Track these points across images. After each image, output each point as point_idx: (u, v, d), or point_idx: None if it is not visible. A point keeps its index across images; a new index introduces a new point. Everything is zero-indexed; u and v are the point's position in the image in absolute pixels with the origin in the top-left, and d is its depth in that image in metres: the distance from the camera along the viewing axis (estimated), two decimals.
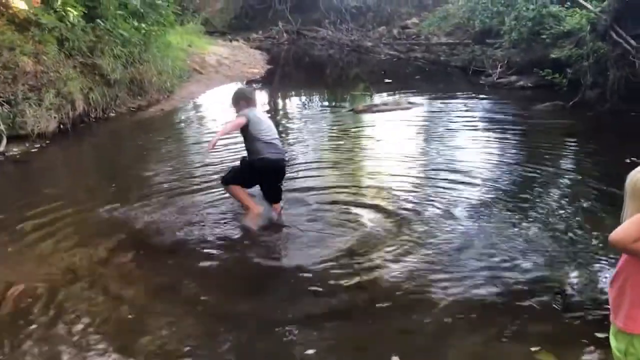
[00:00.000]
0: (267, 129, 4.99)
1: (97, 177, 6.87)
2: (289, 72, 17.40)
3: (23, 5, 9.01)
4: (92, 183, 6.48)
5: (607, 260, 4.05)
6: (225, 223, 5.01)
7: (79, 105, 8.84)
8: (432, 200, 5.39)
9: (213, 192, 5.70)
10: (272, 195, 5.16)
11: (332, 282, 3.90)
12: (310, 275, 4.00)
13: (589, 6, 10.31)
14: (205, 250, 4.45)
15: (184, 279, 4.00)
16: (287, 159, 5.35)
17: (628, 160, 6.38)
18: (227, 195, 5.31)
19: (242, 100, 5.20)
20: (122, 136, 8.87)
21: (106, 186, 6.16)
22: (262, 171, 4.96)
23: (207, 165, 6.70)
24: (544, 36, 11.79)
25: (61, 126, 8.38)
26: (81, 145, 8.41)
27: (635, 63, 8.87)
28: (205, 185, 5.99)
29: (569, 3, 11.57)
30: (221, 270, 4.20)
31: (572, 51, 10.32)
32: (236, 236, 4.77)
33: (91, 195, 5.80)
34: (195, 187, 6.00)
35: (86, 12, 10.10)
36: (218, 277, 4.10)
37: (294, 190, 5.70)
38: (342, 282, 3.90)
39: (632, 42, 9.04)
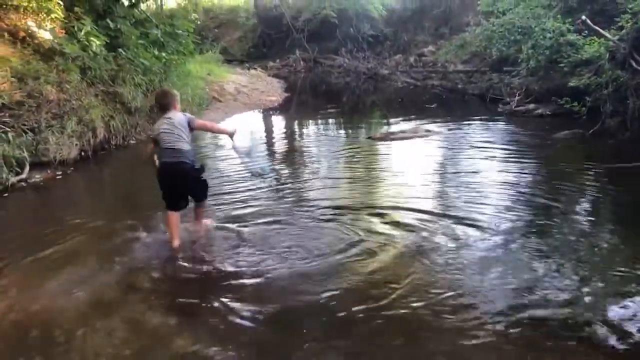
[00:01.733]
0: (167, 135, 4.95)
1: (117, 203, 6.92)
2: (306, 100, 17.53)
3: (48, 36, 9.26)
4: (112, 209, 6.53)
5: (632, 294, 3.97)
6: (249, 247, 5.04)
7: (100, 132, 8.99)
8: (451, 229, 5.37)
9: (231, 219, 5.74)
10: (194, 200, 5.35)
11: (350, 311, 3.87)
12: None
13: (607, 35, 10.28)
14: (224, 281, 4.44)
15: (209, 305, 4.03)
16: (189, 162, 5.01)
17: None
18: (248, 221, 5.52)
19: (157, 108, 5.36)
20: (142, 163, 8.92)
21: (126, 212, 6.19)
22: (161, 177, 5.02)
23: (225, 193, 6.70)
24: (561, 64, 11.76)
25: (82, 153, 8.52)
26: (102, 172, 8.51)
27: None
28: (224, 211, 6.01)
29: (586, 31, 11.54)
30: (248, 295, 4.17)
31: (591, 80, 10.25)
32: (260, 261, 4.77)
33: (111, 221, 5.83)
34: (215, 212, 6.02)
35: (108, 41, 10.35)
36: (245, 301, 4.08)
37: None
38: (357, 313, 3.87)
39: None
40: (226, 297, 4.11)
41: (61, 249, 5.05)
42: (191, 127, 5.14)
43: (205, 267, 4.68)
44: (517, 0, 15.41)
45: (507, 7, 15.40)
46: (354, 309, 3.91)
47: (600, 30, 10.59)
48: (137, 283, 4.39)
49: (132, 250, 5.01)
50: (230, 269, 4.61)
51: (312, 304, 4.03)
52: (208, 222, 5.57)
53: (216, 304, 4.02)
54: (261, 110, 14.24)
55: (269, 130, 12.27)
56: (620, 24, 10.13)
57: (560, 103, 10.78)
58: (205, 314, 3.93)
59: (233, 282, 4.40)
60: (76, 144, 8.34)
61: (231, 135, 5.50)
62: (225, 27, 31.86)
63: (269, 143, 10.73)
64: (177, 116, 5.10)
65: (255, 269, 4.58)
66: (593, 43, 11.01)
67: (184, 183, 5.13)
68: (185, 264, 4.75)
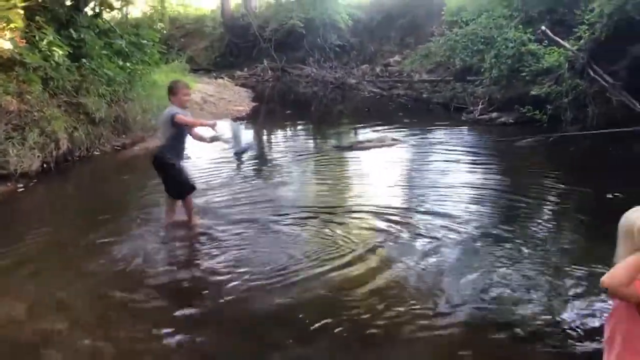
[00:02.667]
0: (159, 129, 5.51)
1: (79, 215, 6.77)
2: (274, 109, 17.52)
3: (8, 45, 9.04)
4: (75, 222, 6.41)
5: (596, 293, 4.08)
6: (214, 256, 5.02)
7: (63, 144, 8.81)
8: (421, 234, 5.47)
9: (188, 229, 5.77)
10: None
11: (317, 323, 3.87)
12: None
13: (566, 45, 10.59)
14: (191, 291, 4.40)
15: (176, 317, 3.97)
16: (162, 156, 5.47)
17: (610, 196, 6.51)
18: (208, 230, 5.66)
19: None
20: (105, 175, 8.82)
21: (89, 225, 6.07)
22: None
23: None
24: (523, 73, 12.04)
25: (44, 165, 8.33)
26: (65, 184, 8.34)
27: (611, 99, 9.09)
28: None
29: (546, 41, 11.85)
30: (208, 311, 4.14)
31: (552, 88, 10.54)
32: (230, 270, 4.77)
33: (75, 233, 5.76)
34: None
35: (71, 51, 10.16)
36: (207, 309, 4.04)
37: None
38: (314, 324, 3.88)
39: (609, 79, 9.29)
40: (188, 307, 4.09)
41: (23, 261, 4.94)
42: (173, 123, 5.28)
43: (168, 277, 4.64)
44: (480, 11, 15.73)
45: (471, 17, 15.70)
46: (317, 318, 3.91)
47: (560, 40, 10.90)
48: (101, 296, 4.31)
49: (95, 263, 4.91)
50: (197, 274, 4.63)
51: (275, 312, 4.03)
52: (195, 220, 5.82)
53: (179, 313, 3.99)
54: (229, 120, 14.15)
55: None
56: (578, 34, 10.45)
57: (523, 111, 11.04)
58: (169, 324, 3.88)
59: (199, 290, 4.38)
60: (38, 156, 8.16)
61: (212, 126, 5.51)
62: (192, 36, 31.65)
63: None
64: (165, 111, 5.53)
65: (222, 276, 4.57)
66: (553, 53, 11.32)
67: (160, 174, 5.66)
68: (151, 273, 4.70)
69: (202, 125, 5.58)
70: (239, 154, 6.19)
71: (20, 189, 7.51)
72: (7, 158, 7.57)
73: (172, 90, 5.54)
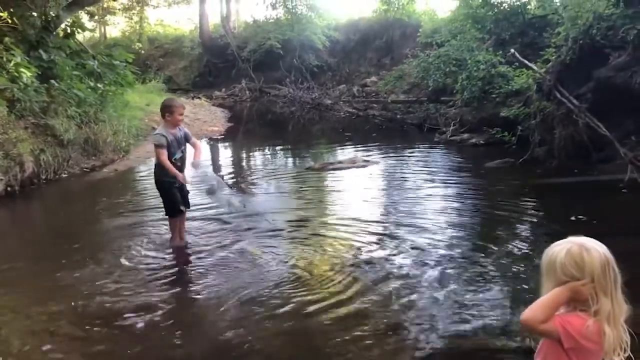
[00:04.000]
0: None
1: (41, 240, 6.60)
2: (250, 130, 17.53)
3: None
4: (36, 247, 6.24)
5: None
6: (172, 282, 4.94)
7: (28, 166, 8.68)
8: (394, 255, 5.49)
9: (164, 253, 5.69)
10: None
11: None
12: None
13: (534, 67, 10.75)
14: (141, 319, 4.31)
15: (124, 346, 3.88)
16: (154, 173, 5.77)
17: (573, 218, 6.57)
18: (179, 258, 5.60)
19: None
20: (71, 198, 8.68)
21: (51, 250, 5.94)
22: None
23: (153, 229, 6.57)
24: (494, 95, 12.21)
25: (8, 189, 8.18)
26: (29, 208, 8.21)
27: (578, 122, 9.22)
28: (156, 246, 5.90)
29: (516, 64, 12.04)
30: (163, 336, 4.05)
31: (520, 110, 10.68)
32: (194, 294, 4.74)
33: (36, 259, 5.63)
34: (146, 247, 5.91)
35: (40, 72, 10.09)
36: (158, 341, 3.95)
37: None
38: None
39: (575, 101, 9.43)
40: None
41: None
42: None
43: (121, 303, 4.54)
44: (453, 33, 15.98)
45: (445, 39, 15.94)
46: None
47: (527, 63, 11.07)
48: (57, 330, 4.18)
49: (56, 293, 4.80)
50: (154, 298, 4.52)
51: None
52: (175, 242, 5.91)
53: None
54: (203, 141, 14.11)
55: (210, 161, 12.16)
56: (545, 57, 10.63)
57: (492, 133, 11.15)
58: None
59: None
60: (1, 179, 8.03)
61: (180, 179, 5.63)
62: (171, 56, 31.73)
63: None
64: (156, 130, 5.76)
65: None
66: (522, 75, 11.49)
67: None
68: (118, 300, 4.61)
69: (173, 174, 5.53)
70: (210, 193, 6.40)
71: None
72: None
73: (169, 109, 5.55)
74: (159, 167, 5.62)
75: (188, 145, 5.82)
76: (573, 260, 1.92)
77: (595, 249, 1.93)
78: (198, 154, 5.88)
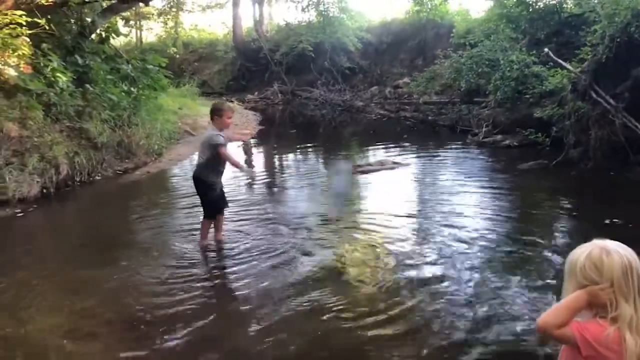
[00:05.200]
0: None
1: (76, 241, 6.72)
2: (280, 133, 17.58)
3: (13, 72, 9.22)
4: (72, 247, 6.34)
5: None
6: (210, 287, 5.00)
7: (63, 169, 8.89)
8: (425, 257, 5.47)
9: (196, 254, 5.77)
10: None
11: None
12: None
13: (568, 67, 10.49)
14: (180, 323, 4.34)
15: (155, 346, 3.94)
16: (197, 175, 5.90)
17: (607, 221, 6.38)
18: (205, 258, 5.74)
19: None
20: (105, 200, 8.85)
21: (85, 250, 6.08)
22: None
23: (186, 230, 6.64)
24: (527, 95, 11.97)
25: (44, 190, 8.40)
26: (63, 209, 8.38)
27: (614, 122, 8.96)
28: (188, 248, 5.96)
29: (551, 63, 11.77)
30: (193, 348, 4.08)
31: (554, 110, 10.42)
32: (229, 300, 4.78)
33: (70, 259, 5.75)
34: (177, 248, 5.99)
35: (76, 77, 10.34)
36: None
37: None
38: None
39: (611, 101, 9.17)
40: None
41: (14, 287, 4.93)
42: (214, 149, 5.64)
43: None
44: (486, 33, 15.73)
45: (478, 39, 15.70)
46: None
47: (562, 62, 10.82)
48: (91, 330, 4.25)
49: (89, 293, 4.89)
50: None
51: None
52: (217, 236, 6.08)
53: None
54: (235, 144, 14.23)
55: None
56: (580, 56, 10.37)
57: (525, 134, 10.93)
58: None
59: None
60: (37, 181, 8.24)
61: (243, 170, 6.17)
62: (205, 60, 32.11)
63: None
64: (207, 132, 5.97)
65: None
66: (556, 74, 11.23)
67: (197, 193, 6.04)
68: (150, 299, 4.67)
69: (238, 167, 5.89)
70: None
71: (19, 214, 7.56)
72: (5, 184, 7.65)
73: (219, 112, 5.73)
74: (205, 168, 5.77)
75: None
76: (592, 264, 1.85)
77: (617, 252, 1.84)
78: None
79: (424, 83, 18.40)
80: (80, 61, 10.84)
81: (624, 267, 1.82)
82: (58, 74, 9.71)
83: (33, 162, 8.20)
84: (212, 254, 5.88)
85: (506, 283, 4.86)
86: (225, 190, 6.18)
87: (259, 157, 13.21)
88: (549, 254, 5.52)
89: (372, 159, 11.15)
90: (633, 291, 1.82)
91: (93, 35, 12.25)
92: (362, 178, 9.49)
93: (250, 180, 8.58)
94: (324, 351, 3.89)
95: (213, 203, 5.93)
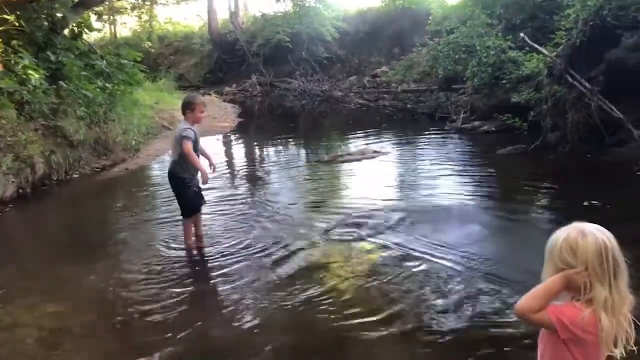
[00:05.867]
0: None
1: (54, 241, 6.64)
2: (260, 125, 17.49)
3: None
4: (51, 247, 6.27)
5: None
6: (194, 284, 4.96)
7: (39, 168, 8.72)
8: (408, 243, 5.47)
9: (178, 251, 5.73)
10: None
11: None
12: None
13: (544, 51, 10.57)
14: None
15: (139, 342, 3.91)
16: (171, 171, 5.66)
17: (586, 203, 6.46)
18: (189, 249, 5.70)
19: None
20: (83, 198, 8.71)
21: (64, 250, 5.98)
22: None
23: (167, 226, 6.57)
24: (504, 81, 12.04)
25: (20, 190, 8.24)
26: (40, 209, 8.21)
27: (590, 105, 9.05)
28: (170, 245, 5.91)
29: (527, 48, 11.84)
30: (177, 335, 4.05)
31: (531, 95, 10.51)
32: (214, 296, 4.76)
33: (49, 259, 5.66)
34: (158, 245, 5.94)
35: (49, 74, 10.13)
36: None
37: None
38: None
39: (587, 84, 9.26)
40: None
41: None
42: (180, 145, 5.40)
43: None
44: (462, 20, 15.75)
45: (454, 26, 15.72)
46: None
47: (537, 47, 10.89)
48: (72, 328, 4.20)
49: (69, 291, 4.82)
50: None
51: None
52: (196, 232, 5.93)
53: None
54: (214, 137, 14.12)
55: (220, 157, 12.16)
56: (555, 40, 10.44)
57: (503, 119, 11.01)
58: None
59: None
60: (12, 181, 8.08)
61: (204, 175, 5.56)
62: (181, 53, 31.74)
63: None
64: (179, 127, 5.67)
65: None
66: (532, 59, 11.30)
67: (172, 190, 5.80)
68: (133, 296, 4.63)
69: (199, 169, 5.50)
70: None
71: None
72: None
73: (190, 106, 5.49)
74: (178, 164, 5.52)
75: None
76: (568, 246, 1.86)
77: (593, 234, 1.85)
78: (212, 160, 5.87)
79: (402, 71, 18.42)
80: (52, 58, 10.60)
81: (598, 250, 1.82)
82: (30, 72, 9.48)
83: (7, 162, 8.01)
84: (195, 251, 5.80)
85: (489, 264, 4.91)
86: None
87: (239, 150, 13.14)
88: (531, 238, 5.57)
89: (352, 149, 11.15)
90: (608, 273, 1.82)
91: (65, 31, 11.99)
92: (343, 167, 9.49)
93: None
94: (310, 343, 3.88)
95: (189, 201, 5.68)
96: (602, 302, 1.81)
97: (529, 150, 9.58)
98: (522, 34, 11.86)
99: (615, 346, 1.84)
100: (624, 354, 1.87)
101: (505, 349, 3.59)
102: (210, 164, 5.79)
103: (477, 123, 12.19)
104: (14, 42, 9.80)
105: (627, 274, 1.86)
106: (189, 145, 5.35)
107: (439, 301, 4.25)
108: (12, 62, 9.47)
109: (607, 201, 6.47)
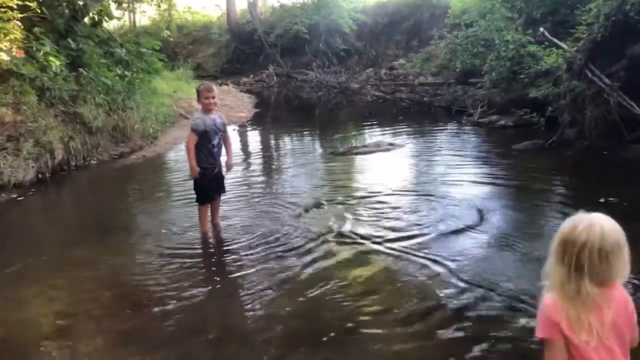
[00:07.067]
0: None
1: (72, 225, 6.77)
2: (276, 115, 17.54)
3: (5, 57, 9.14)
4: (67, 232, 6.40)
5: None
6: (205, 271, 5.00)
7: (58, 153, 8.88)
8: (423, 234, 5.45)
9: (193, 236, 5.79)
10: None
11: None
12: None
13: (564, 46, 10.45)
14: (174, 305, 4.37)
15: (149, 327, 3.98)
16: None
17: (602, 200, 6.40)
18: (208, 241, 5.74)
19: None
20: (101, 184, 8.84)
21: (81, 234, 6.11)
22: None
23: (183, 213, 6.65)
24: (522, 75, 11.93)
25: (40, 175, 8.39)
26: (59, 193, 8.40)
27: (609, 101, 8.96)
28: (184, 232, 5.97)
29: (546, 43, 11.72)
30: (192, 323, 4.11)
31: (550, 90, 10.41)
32: (223, 283, 4.78)
33: (66, 243, 5.77)
34: (174, 231, 6.01)
35: (69, 61, 10.27)
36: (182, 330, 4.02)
37: None
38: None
39: (606, 80, 9.15)
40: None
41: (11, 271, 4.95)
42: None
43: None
44: (482, 13, 15.62)
45: (473, 19, 15.60)
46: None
47: (557, 42, 10.77)
48: (87, 312, 4.28)
49: (85, 276, 4.90)
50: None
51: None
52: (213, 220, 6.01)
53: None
54: (232, 128, 14.21)
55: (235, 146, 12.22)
56: (576, 35, 10.33)
57: (521, 114, 10.93)
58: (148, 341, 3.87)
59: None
60: (32, 166, 8.23)
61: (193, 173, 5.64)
62: (199, 43, 31.89)
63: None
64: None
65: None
66: (552, 54, 11.18)
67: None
68: (147, 282, 4.70)
69: (191, 165, 5.58)
70: None
71: (19, 199, 7.56)
72: (0, 169, 7.63)
73: (197, 93, 5.63)
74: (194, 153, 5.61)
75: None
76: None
77: (584, 225, 1.84)
78: (230, 157, 5.89)
79: (419, 64, 18.34)
80: (73, 45, 10.76)
81: (570, 238, 1.86)
82: (51, 58, 9.63)
83: (28, 147, 8.18)
84: (210, 239, 5.85)
85: (502, 259, 4.92)
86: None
87: (254, 140, 13.20)
88: (544, 232, 5.55)
89: (368, 141, 11.15)
90: (569, 263, 1.85)
91: (86, 19, 12.14)
92: (358, 159, 9.50)
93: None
94: (319, 332, 3.90)
95: (201, 189, 5.73)
96: (559, 285, 1.87)
97: (546, 146, 9.50)
98: (541, 29, 11.72)
99: (589, 334, 1.85)
100: None
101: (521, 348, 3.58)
102: (227, 164, 5.82)
103: (494, 117, 12.11)
104: (36, 29, 9.95)
105: (605, 273, 1.84)
106: (190, 139, 5.50)
107: (453, 302, 4.16)
108: (34, 48, 9.62)
109: (624, 198, 6.41)
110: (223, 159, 5.85)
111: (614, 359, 1.89)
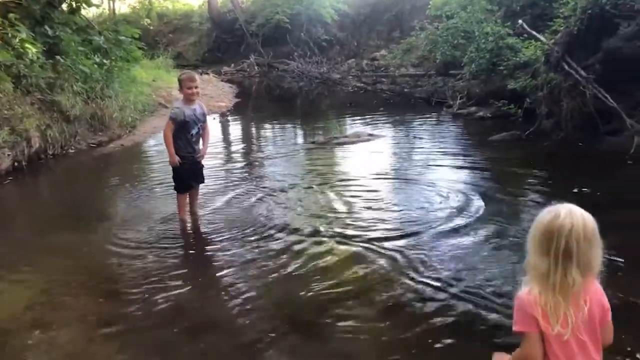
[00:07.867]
0: None
1: (49, 213, 6.69)
2: (257, 105, 17.49)
3: None
4: (44, 220, 6.33)
5: None
6: (185, 258, 5.01)
7: (35, 142, 8.78)
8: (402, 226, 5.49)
9: (171, 225, 5.78)
10: None
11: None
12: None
13: (542, 38, 10.58)
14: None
15: (125, 316, 3.96)
16: None
17: (576, 190, 6.53)
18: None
19: None
20: (79, 172, 8.78)
21: (58, 223, 6.08)
22: None
23: (161, 202, 6.63)
24: (501, 67, 12.05)
25: (16, 164, 8.29)
26: (36, 182, 8.32)
27: (585, 93, 9.09)
28: (162, 221, 5.96)
29: (525, 35, 11.84)
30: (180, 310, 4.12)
31: (528, 82, 10.54)
32: (204, 270, 4.78)
33: (43, 232, 5.75)
34: (152, 219, 6.00)
35: (46, 48, 10.11)
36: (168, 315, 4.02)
37: None
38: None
39: (582, 72, 9.28)
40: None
41: None
42: None
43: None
44: (462, 5, 15.69)
45: (454, 11, 15.67)
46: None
47: (535, 34, 10.89)
48: (63, 301, 4.27)
49: (63, 264, 4.89)
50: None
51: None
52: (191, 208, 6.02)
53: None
54: (212, 117, 14.14)
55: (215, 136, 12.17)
56: (554, 27, 10.45)
57: (499, 106, 11.05)
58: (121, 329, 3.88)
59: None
60: (8, 154, 8.13)
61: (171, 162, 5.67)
62: (180, 31, 31.55)
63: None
64: None
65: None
66: (530, 46, 11.31)
67: None
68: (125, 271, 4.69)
69: (169, 153, 5.62)
70: None
71: None
72: None
73: (179, 83, 5.61)
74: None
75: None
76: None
77: (563, 214, 1.87)
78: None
79: (400, 55, 18.40)
80: (50, 32, 10.57)
81: (551, 227, 1.87)
82: (27, 45, 9.47)
83: (3, 135, 8.06)
84: (189, 228, 5.86)
85: (477, 248, 4.98)
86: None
87: (235, 129, 13.17)
88: (519, 220, 5.65)
89: (348, 131, 11.19)
90: (555, 252, 1.85)
91: (63, 6, 11.94)
92: (339, 150, 9.54)
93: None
94: (300, 318, 3.94)
95: (180, 177, 5.76)
96: (544, 276, 1.87)
97: (523, 137, 9.62)
98: (520, 21, 11.84)
99: (563, 327, 1.87)
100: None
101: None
102: (201, 152, 5.82)
103: (473, 109, 12.23)
104: (11, 14, 9.77)
105: (587, 261, 1.86)
106: (167, 127, 5.53)
107: (438, 294, 4.17)
108: (9, 35, 9.45)
109: (597, 188, 6.54)
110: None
111: (586, 353, 1.92)
